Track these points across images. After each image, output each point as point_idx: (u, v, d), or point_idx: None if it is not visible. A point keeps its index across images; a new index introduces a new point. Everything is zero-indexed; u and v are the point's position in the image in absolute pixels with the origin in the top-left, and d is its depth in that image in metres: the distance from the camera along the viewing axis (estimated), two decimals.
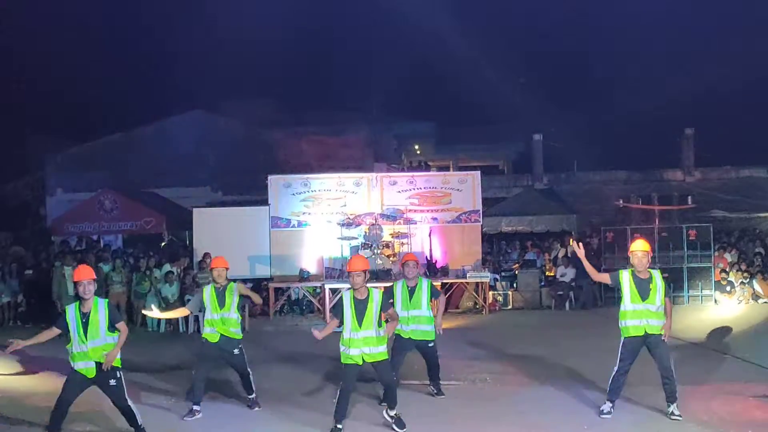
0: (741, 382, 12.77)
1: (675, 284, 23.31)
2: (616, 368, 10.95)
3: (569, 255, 24.91)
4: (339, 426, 10.45)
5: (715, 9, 48.61)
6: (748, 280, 23.59)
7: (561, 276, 24.47)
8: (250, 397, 11.94)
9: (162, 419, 11.32)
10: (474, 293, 23.51)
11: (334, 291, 22.54)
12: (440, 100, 49.27)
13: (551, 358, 15.19)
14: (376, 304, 10.46)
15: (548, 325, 20.48)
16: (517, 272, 25.44)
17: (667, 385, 10.85)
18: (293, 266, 23.86)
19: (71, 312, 9.99)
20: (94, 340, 9.89)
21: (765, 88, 42.84)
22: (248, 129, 36.44)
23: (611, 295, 21.42)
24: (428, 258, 23.41)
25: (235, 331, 11.84)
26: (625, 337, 10.95)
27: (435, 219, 24.55)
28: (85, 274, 10.11)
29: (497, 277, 24.82)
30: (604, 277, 11.43)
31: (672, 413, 10.81)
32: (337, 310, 10.65)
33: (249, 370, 11.88)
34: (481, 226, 25.17)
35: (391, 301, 11.63)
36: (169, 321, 21.18)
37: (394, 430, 10.57)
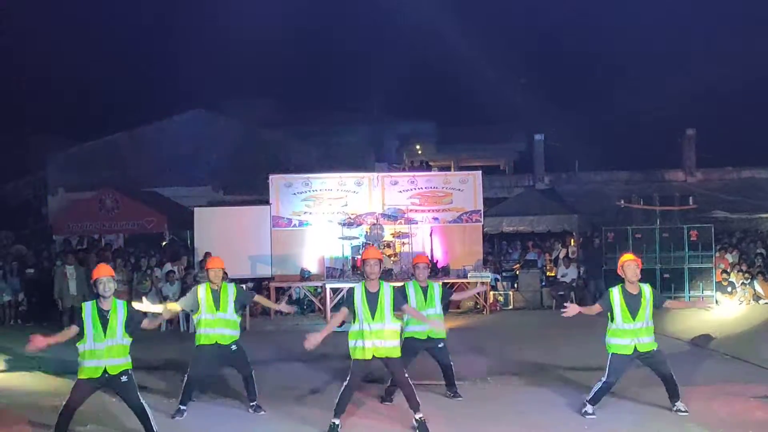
0: (741, 383, 12.76)
1: (676, 285, 23.30)
2: (602, 382, 10.95)
3: (570, 255, 24.95)
4: (336, 422, 10.36)
5: (716, 9, 48.66)
6: (749, 280, 23.56)
7: (562, 276, 24.48)
8: (251, 403, 11.74)
9: (160, 419, 11.31)
10: (475, 293, 23.51)
11: (335, 291, 22.58)
12: (441, 100, 49.39)
13: (552, 359, 15.19)
14: (388, 296, 10.37)
15: (549, 326, 20.43)
16: (518, 272, 25.46)
17: (670, 388, 10.90)
18: (294, 266, 23.88)
19: (88, 309, 9.86)
20: (112, 339, 9.81)
21: (766, 88, 42.87)
22: (250, 128, 36.44)
23: None
24: (429, 258, 23.41)
25: (231, 333, 11.72)
26: (612, 353, 10.96)
27: (436, 219, 24.56)
28: (104, 271, 9.98)
29: (498, 277, 24.82)
30: (597, 308, 11.30)
31: (678, 409, 10.89)
32: (347, 302, 10.48)
33: (252, 369, 11.80)
34: (482, 226, 25.18)
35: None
36: (169, 320, 21.18)
37: None
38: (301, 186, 24.68)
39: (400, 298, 10.72)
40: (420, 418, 10.36)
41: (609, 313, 11.08)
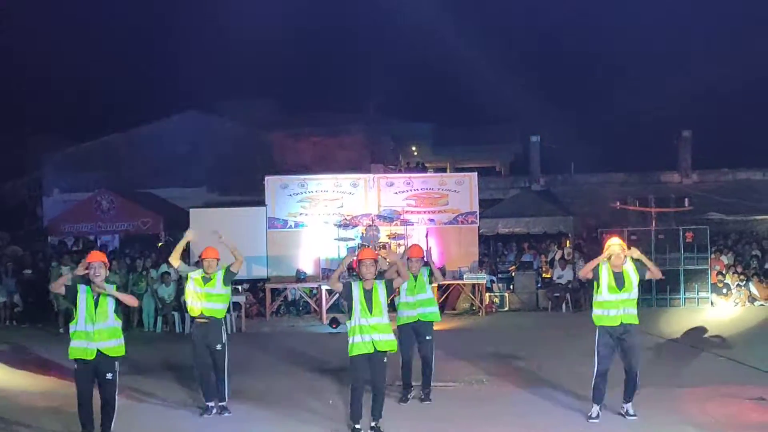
0: (737, 385, 12.76)
1: (671, 286, 23.35)
2: (595, 369, 10.91)
3: (566, 257, 24.95)
4: (357, 426, 10.37)
5: (712, 10, 48.71)
6: (744, 282, 23.60)
7: (558, 278, 24.48)
8: (220, 404, 11.68)
9: (156, 420, 11.32)
10: (470, 295, 23.53)
11: (330, 292, 22.56)
12: (437, 102, 49.38)
13: (548, 360, 15.20)
14: (381, 292, 10.57)
15: (545, 327, 20.48)
16: (513, 274, 25.44)
17: (630, 385, 10.92)
18: (290, 267, 23.86)
19: (83, 290, 10.00)
20: (103, 322, 9.92)
21: (762, 90, 42.94)
22: (245, 130, 36.41)
23: None
24: (425, 259, 23.37)
25: (219, 307, 11.85)
26: (600, 326, 10.91)
27: (432, 220, 24.55)
28: (96, 257, 10.16)
29: (494, 278, 24.82)
30: (588, 269, 11.24)
31: (627, 412, 10.91)
32: (345, 293, 10.73)
33: (227, 371, 11.77)
34: (478, 227, 25.18)
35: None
36: (165, 321, 21.19)
37: None
38: (296, 187, 24.66)
39: (391, 288, 10.89)
40: (377, 426, 10.45)
41: (595, 284, 11.03)
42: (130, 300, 10.63)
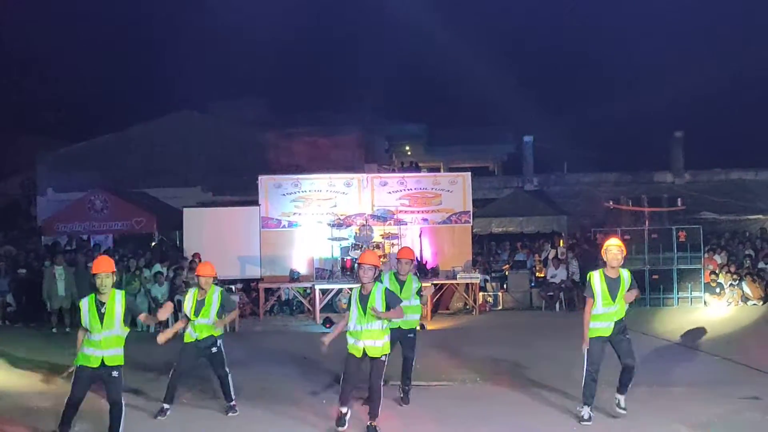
0: (730, 384, 12.81)
1: (664, 286, 23.41)
2: (585, 372, 10.92)
3: (559, 256, 24.99)
4: (343, 410, 10.55)
5: (705, 12, 48.77)
6: (737, 282, 23.64)
7: (551, 277, 24.53)
8: (228, 404, 11.77)
9: (151, 421, 11.32)
10: (464, 294, 23.55)
11: (324, 292, 22.60)
12: (431, 102, 49.39)
13: (541, 359, 15.22)
14: (378, 299, 10.58)
15: (538, 326, 20.51)
16: (507, 273, 25.49)
17: (625, 377, 10.94)
18: (283, 267, 23.86)
19: (85, 305, 9.99)
20: (110, 330, 9.89)
21: (755, 91, 43.02)
22: (239, 129, 36.40)
23: None
24: (419, 259, 23.43)
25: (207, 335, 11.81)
26: (591, 338, 10.93)
27: (425, 220, 24.57)
28: (103, 266, 10.07)
29: (487, 278, 24.84)
30: (589, 304, 11.06)
31: (619, 403, 10.94)
32: (348, 304, 10.86)
33: (227, 370, 11.82)
34: (472, 227, 25.21)
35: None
36: (159, 322, 21.14)
37: None
38: (290, 187, 24.66)
39: (394, 299, 10.87)
40: (373, 425, 10.54)
41: (592, 298, 10.99)
42: (158, 318, 10.63)
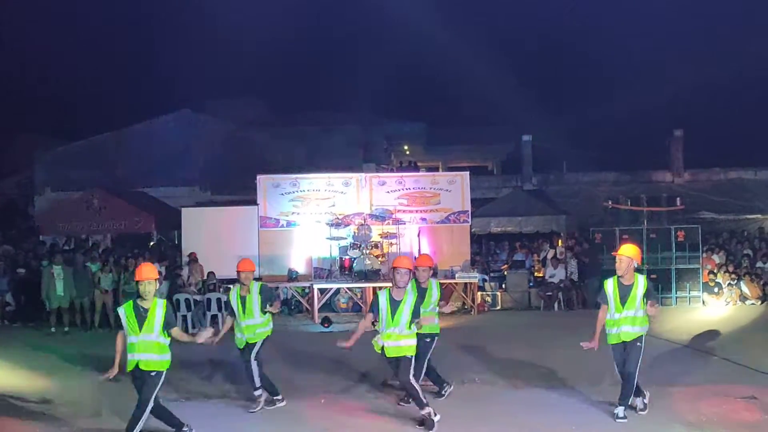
0: (728, 383, 12.79)
1: (663, 285, 23.40)
2: (618, 372, 11.02)
3: (558, 256, 24.97)
4: (424, 412, 10.67)
5: (704, 11, 48.78)
6: (735, 281, 23.67)
7: (550, 277, 24.51)
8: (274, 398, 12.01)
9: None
10: (463, 294, 23.52)
11: (322, 291, 22.58)
12: (430, 101, 49.39)
13: (539, 359, 15.20)
14: (408, 305, 10.79)
15: (537, 326, 20.49)
16: (505, 273, 25.47)
17: (626, 386, 10.94)
18: (282, 266, 23.87)
19: (122, 312, 10.09)
20: (148, 334, 9.97)
21: (754, 90, 43.01)
22: (237, 129, 36.38)
23: None
24: (416, 258, 23.40)
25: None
26: (610, 344, 11.03)
27: (424, 219, 24.58)
28: (146, 274, 10.16)
29: (486, 277, 24.83)
30: (603, 310, 11.19)
31: (617, 415, 10.86)
32: (373, 308, 10.98)
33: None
34: (470, 226, 25.21)
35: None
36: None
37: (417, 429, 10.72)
38: (288, 186, 24.67)
39: (418, 311, 10.97)
40: (423, 414, 10.68)
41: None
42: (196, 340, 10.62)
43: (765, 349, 15.56)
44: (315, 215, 24.41)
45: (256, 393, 11.87)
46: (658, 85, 42.97)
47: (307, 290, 23.50)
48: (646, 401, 11.13)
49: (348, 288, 23.25)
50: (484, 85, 44.36)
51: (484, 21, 54.46)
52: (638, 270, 11.28)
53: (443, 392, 12.37)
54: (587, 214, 29.85)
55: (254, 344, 11.97)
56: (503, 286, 24.86)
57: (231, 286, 21.76)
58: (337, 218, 23.81)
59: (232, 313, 12.20)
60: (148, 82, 49.92)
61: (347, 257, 22.93)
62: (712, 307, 23.00)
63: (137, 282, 10.14)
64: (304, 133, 36.42)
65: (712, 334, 18.09)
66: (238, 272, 12.16)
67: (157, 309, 10.05)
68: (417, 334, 11.95)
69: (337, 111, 39.91)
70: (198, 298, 20.92)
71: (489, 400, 12.19)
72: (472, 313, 23.05)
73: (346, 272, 22.81)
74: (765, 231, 29.85)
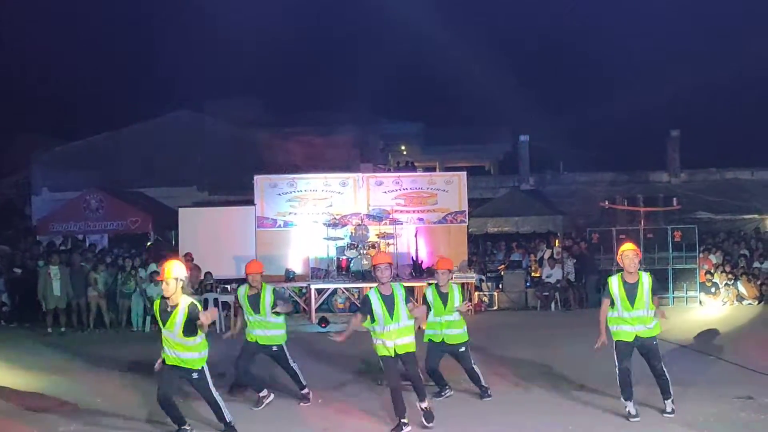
0: (725, 384, 12.80)
1: (660, 285, 23.36)
2: (617, 370, 10.94)
3: (555, 256, 24.98)
4: (404, 420, 10.54)
5: (701, 11, 48.80)
6: (732, 281, 23.70)
7: (547, 277, 24.52)
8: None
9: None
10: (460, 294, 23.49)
11: (319, 291, 22.59)
12: (427, 101, 49.39)
13: (536, 359, 15.21)
14: (401, 296, 10.76)
15: (534, 326, 20.50)
16: (502, 273, 25.46)
17: (662, 383, 11.01)
18: (279, 266, 23.83)
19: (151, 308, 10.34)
20: (170, 332, 10.19)
21: (751, 90, 43.06)
22: (235, 129, 36.37)
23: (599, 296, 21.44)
24: (414, 259, 23.44)
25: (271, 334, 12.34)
26: (616, 340, 11.01)
27: (421, 219, 24.58)
28: (167, 272, 10.33)
29: (483, 277, 24.83)
30: (605, 304, 11.23)
31: (664, 410, 10.93)
32: (365, 308, 10.84)
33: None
34: (467, 226, 25.22)
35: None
36: (153, 321, 21.10)
37: (423, 422, 10.70)
38: (286, 186, 24.67)
39: (407, 295, 10.99)
40: (426, 407, 10.75)
41: (611, 301, 11.11)
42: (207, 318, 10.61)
43: (762, 349, 15.57)
44: (312, 215, 24.40)
45: (303, 392, 12.20)
46: (655, 85, 43.07)
47: (304, 290, 23.49)
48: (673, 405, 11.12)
49: (345, 288, 23.26)
50: (482, 85, 44.39)
51: (481, 21, 54.55)
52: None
53: (443, 393, 12.38)
54: (584, 214, 29.88)
55: (278, 348, 12.28)
56: (500, 286, 24.86)
57: (228, 287, 21.90)
58: (335, 218, 23.81)
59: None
60: (145, 82, 49.99)
61: (344, 257, 22.94)
62: (709, 307, 23.03)
63: (159, 282, 10.47)
64: (301, 133, 36.43)
65: (709, 334, 18.10)
66: (247, 274, 12.33)
67: (180, 312, 10.17)
68: (445, 344, 12.11)
69: (334, 111, 39.88)
70: (196, 298, 20.88)
71: (486, 400, 12.19)
72: (469, 313, 22.99)
73: (344, 272, 22.82)
74: (762, 231, 29.90)
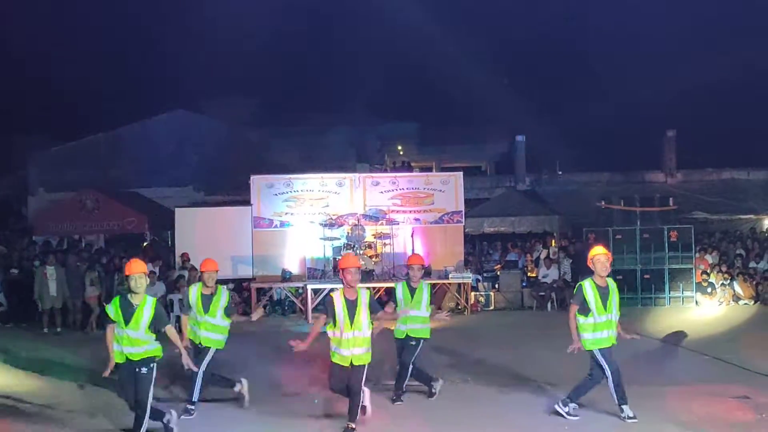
0: (721, 383, 12.82)
1: (656, 285, 23.47)
2: (609, 378, 10.85)
3: (551, 256, 24.99)
4: (352, 425, 10.44)
5: (698, 11, 48.82)
6: (728, 281, 23.72)
7: (543, 277, 24.54)
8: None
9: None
10: (456, 294, 23.55)
11: (316, 291, 22.58)
12: (423, 101, 49.33)
13: (532, 359, 15.22)
14: (365, 304, 10.52)
15: (530, 326, 20.51)
16: (499, 273, 25.47)
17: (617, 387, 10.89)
18: (275, 266, 23.86)
19: (111, 308, 10.07)
20: (135, 331, 9.95)
21: (747, 90, 43.08)
22: (231, 129, 36.41)
23: None
24: (409, 258, 23.41)
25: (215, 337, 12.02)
26: (597, 350, 10.88)
27: (417, 220, 24.59)
28: (136, 268, 10.12)
29: (479, 277, 24.85)
30: (573, 309, 11.07)
31: (628, 416, 10.80)
32: (327, 309, 10.54)
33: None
34: (464, 226, 25.22)
35: (387, 300, 11.77)
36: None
37: None
38: (282, 187, 24.67)
39: (375, 305, 10.83)
40: (350, 426, 10.47)
41: (584, 308, 10.92)
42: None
43: (758, 349, 15.58)
44: (308, 215, 24.39)
45: (190, 407, 11.58)
46: (651, 85, 43.02)
47: (300, 290, 23.49)
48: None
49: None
50: (478, 85, 44.33)
51: (477, 21, 54.44)
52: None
53: (433, 390, 12.32)
54: (580, 214, 29.88)
55: (207, 350, 11.82)
56: (496, 286, 24.87)
57: (224, 287, 21.84)
58: (331, 218, 23.81)
59: (187, 310, 12.07)
60: (141, 82, 49.83)
61: (341, 257, 22.93)
62: (705, 307, 23.04)
63: (127, 277, 10.10)
64: (297, 133, 36.44)
65: (705, 334, 18.11)
66: (202, 272, 12.11)
67: (146, 307, 10.04)
68: (407, 335, 12.03)
69: (331, 111, 39.92)
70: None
71: (481, 401, 12.20)
72: (465, 313, 23.07)
73: (338, 276, 22.81)
74: (758, 231, 29.92)
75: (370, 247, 23.24)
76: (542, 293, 24.07)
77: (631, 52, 51.32)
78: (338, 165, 31.87)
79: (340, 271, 10.81)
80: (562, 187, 35.36)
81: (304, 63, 57.88)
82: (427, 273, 23.21)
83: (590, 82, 48.62)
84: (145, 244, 27.59)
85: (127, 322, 9.91)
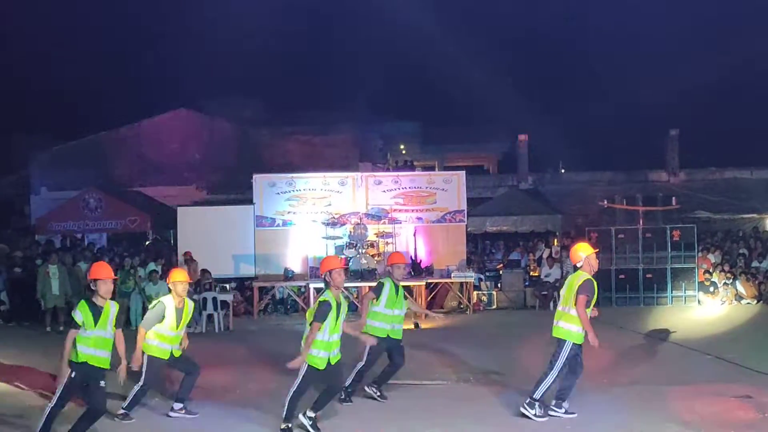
0: (723, 383, 12.79)
1: (658, 285, 23.46)
2: (559, 371, 10.97)
3: (553, 255, 24.97)
4: (290, 425, 10.35)
5: (700, 11, 48.81)
6: (731, 281, 23.70)
7: (545, 276, 24.50)
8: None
9: (142, 420, 11.31)
10: (458, 293, 23.55)
11: (318, 290, 22.53)
12: (426, 100, 49.37)
13: (534, 358, 15.16)
14: (345, 307, 10.59)
15: (532, 326, 20.42)
16: (501, 272, 25.45)
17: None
18: (278, 265, 23.85)
19: (78, 313, 9.82)
20: (103, 330, 9.86)
21: (750, 89, 43.09)
22: (234, 128, 36.40)
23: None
24: (413, 258, 23.43)
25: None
26: (574, 343, 10.92)
27: (420, 219, 24.58)
28: (105, 272, 10.02)
29: (481, 277, 24.82)
30: (583, 300, 10.79)
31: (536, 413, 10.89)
32: (322, 315, 10.18)
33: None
34: (466, 225, 25.22)
35: (374, 298, 11.77)
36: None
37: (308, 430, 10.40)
38: (284, 185, 24.66)
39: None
40: (314, 416, 10.44)
41: (589, 303, 10.84)
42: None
43: (760, 349, 15.59)
44: (311, 214, 24.39)
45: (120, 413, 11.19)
46: (655, 84, 43.02)
47: (303, 289, 23.49)
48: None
49: (344, 287, 23.23)
50: (481, 84, 44.38)
51: (480, 20, 54.46)
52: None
53: (350, 398, 11.97)
54: (583, 213, 29.89)
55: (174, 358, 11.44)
56: (499, 285, 24.84)
57: (226, 286, 21.89)
58: (333, 217, 23.80)
59: (157, 322, 11.23)
60: (144, 82, 49.92)
61: (343, 256, 22.91)
62: (708, 306, 23.03)
63: (95, 280, 9.94)
64: (300, 132, 36.44)
65: (707, 333, 18.11)
66: (175, 283, 11.36)
67: (111, 309, 9.99)
68: (388, 335, 11.99)
69: (333, 110, 39.92)
70: (194, 297, 20.90)
71: (483, 400, 12.17)
72: (468, 312, 23.06)
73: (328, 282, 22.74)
74: (760, 230, 29.90)
75: (372, 246, 23.23)
76: (545, 292, 24.04)
77: (634, 51, 51.38)
78: (341, 164, 31.87)
79: (327, 273, 10.46)
80: (565, 187, 35.35)
81: (307, 62, 57.99)
82: (430, 272, 23.27)
83: (593, 81, 48.70)
84: (147, 243, 27.60)
85: (95, 322, 9.79)
